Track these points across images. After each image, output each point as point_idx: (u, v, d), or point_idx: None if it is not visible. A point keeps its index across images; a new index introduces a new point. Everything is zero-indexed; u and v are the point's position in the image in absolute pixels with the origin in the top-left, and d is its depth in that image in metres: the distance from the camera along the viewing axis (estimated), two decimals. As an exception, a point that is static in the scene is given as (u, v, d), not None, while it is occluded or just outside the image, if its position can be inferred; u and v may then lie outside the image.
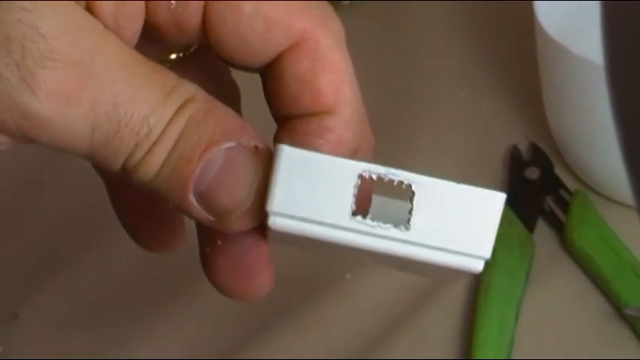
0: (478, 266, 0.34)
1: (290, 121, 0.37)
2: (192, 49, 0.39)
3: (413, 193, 0.33)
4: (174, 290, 0.60)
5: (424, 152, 0.65)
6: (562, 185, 0.61)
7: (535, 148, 0.64)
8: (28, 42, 0.32)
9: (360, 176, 0.33)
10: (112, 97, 0.33)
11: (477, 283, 0.57)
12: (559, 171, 0.62)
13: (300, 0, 0.36)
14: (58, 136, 0.33)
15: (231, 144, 0.34)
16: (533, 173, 0.62)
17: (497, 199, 0.33)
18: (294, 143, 0.35)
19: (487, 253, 0.34)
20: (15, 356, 0.60)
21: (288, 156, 0.33)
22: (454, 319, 0.56)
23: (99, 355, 0.59)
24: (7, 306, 0.62)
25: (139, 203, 0.42)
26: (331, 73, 0.36)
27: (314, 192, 0.33)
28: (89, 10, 0.34)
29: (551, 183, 0.62)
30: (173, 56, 0.39)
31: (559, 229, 0.59)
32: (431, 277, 0.38)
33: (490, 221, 0.34)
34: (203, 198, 0.34)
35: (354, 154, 0.37)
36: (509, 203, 0.60)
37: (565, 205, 0.60)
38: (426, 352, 0.55)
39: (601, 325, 0.55)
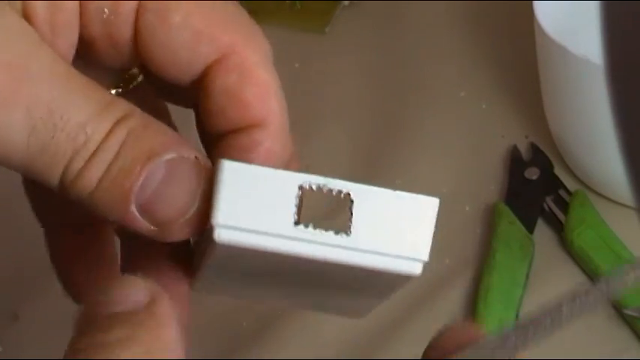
0: (416, 269, 0.35)
1: (221, 138, 0.37)
2: (131, 85, 0.39)
3: (352, 202, 0.34)
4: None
5: (424, 152, 0.65)
6: (562, 185, 0.61)
7: (535, 149, 0.64)
8: None
9: (301, 187, 0.34)
10: (47, 103, 0.33)
11: (476, 284, 0.57)
12: (559, 171, 0.62)
13: (228, 14, 0.37)
14: None
15: (173, 155, 0.34)
16: (533, 173, 0.62)
17: (431, 204, 0.35)
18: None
19: (424, 255, 0.35)
20: (15, 356, 0.60)
21: (231, 170, 0.33)
22: (454, 319, 0.56)
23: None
24: (7, 307, 0.62)
25: (77, 253, 0.42)
26: (257, 87, 0.36)
27: (257, 204, 0.34)
28: (25, 16, 0.34)
29: (551, 183, 0.62)
30: (112, 92, 0.39)
31: (559, 229, 0.59)
32: (375, 289, 0.39)
33: (426, 225, 0.35)
34: (145, 209, 0.34)
35: (285, 167, 0.37)
36: (509, 203, 0.60)
37: (565, 206, 0.60)
38: (426, 352, 0.55)
39: (601, 325, 0.55)
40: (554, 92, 0.60)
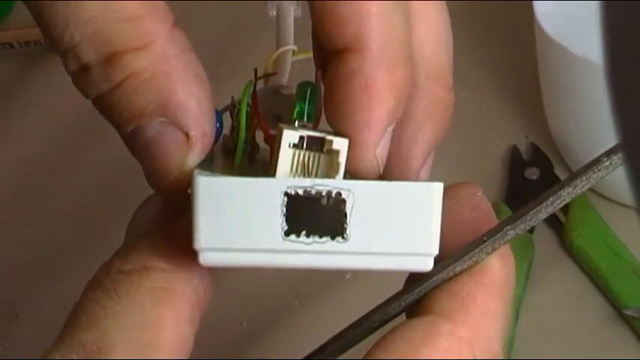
0: (427, 265, 0.32)
1: (330, 59, 0.32)
2: None
3: (344, 201, 0.31)
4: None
5: (424, 152, 0.65)
6: (562, 185, 0.61)
7: (535, 149, 0.64)
8: None
9: (286, 193, 0.30)
10: None
11: (476, 283, 0.57)
12: (559, 171, 0.62)
13: None
14: None
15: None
16: (533, 173, 0.62)
17: (434, 190, 0.31)
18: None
19: (434, 248, 0.31)
20: (15, 356, 0.60)
21: (206, 186, 0.30)
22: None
23: (99, 355, 0.59)
24: (7, 306, 0.62)
25: None
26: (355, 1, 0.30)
27: (240, 219, 0.30)
28: None
29: (551, 183, 0.62)
30: None
31: (559, 229, 0.59)
32: (384, 273, 0.36)
33: (432, 215, 0.31)
34: None
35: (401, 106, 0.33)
36: (509, 203, 0.60)
37: (565, 206, 0.60)
38: (426, 352, 0.55)
39: (601, 325, 0.55)
40: (554, 92, 0.60)
